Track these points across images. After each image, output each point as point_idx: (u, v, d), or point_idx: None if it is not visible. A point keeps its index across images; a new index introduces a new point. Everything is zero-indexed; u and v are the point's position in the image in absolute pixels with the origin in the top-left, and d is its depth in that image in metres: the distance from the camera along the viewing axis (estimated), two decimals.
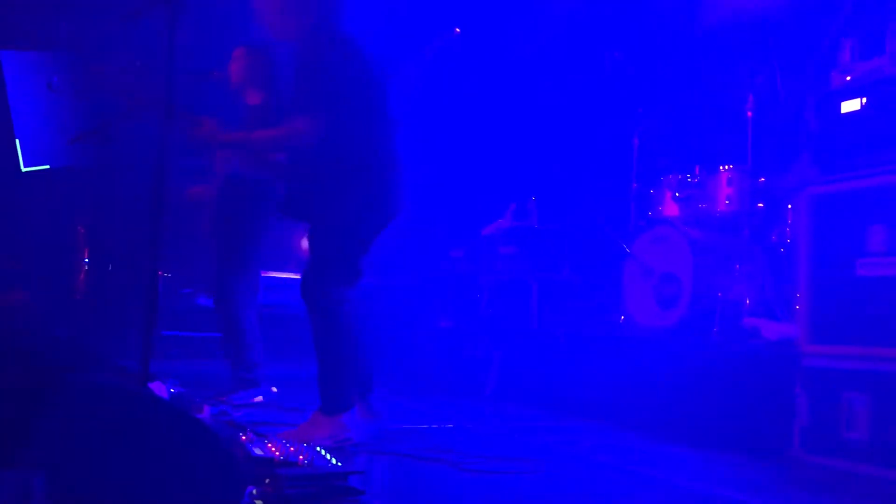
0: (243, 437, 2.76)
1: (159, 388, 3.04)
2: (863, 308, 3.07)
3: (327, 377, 3.32)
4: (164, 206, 3.01)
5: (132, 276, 5.96)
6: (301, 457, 2.52)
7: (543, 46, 6.53)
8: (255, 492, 2.23)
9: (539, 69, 6.60)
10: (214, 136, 3.29)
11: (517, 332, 5.59)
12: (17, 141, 6.31)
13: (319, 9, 3.36)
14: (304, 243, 7.38)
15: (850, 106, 3.67)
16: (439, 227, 6.80)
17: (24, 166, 6.36)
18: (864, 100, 3.77)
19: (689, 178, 5.24)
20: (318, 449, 2.71)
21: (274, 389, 4.45)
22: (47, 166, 6.40)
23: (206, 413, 3.29)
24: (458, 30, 6.89)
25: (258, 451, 2.55)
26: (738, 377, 3.82)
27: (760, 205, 4.93)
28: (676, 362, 4.19)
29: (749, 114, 5.01)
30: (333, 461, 2.55)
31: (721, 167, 5.03)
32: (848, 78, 3.81)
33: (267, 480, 2.29)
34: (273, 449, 2.60)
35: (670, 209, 5.33)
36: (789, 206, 4.64)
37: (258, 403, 4.33)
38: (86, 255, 6.50)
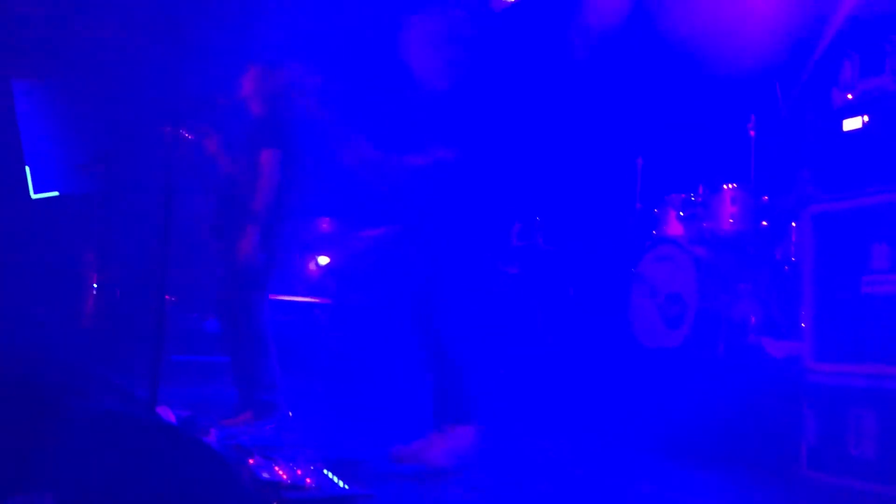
0: (251, 461, 2.77)
1: (167, 413, 3.06)
2: (868, 325, 3.07)
3: (451, 392, 3.34)
4: (172, 231, 3.04)
5: (140, 300, 5.99)
6: (308, 480, 2.53)
7: (548, 67, 6.57)
8: None
9: (542, 89, 6.63)
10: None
11: (523, 352, 5.59)
12: (27, 168, 6.38)
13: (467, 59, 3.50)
14: (313, 266, 7.37)
15: (852, 124, 3.70)
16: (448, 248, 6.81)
17: (34, 193, 6.42)
18: (866, 118, 3.80)
19: (692, 197, 5.26)
20: (325, 472, 2.72)
21: (290, 413, 4.44)
22: (56, 193, 6.47)
23: (213, 437, 3.30)
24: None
25: (265, 475, 2.55)
26: (744, 396, 3.82)
27: (764, 223, 4.94)
28: (682, 382, 4.19)
29: (752, 132, 5.04)
30: (341, 484, 2.56)
31: (724, 186, 5.05)
32: (849, 96, 3.84)
33: None
34: (280, 472, 2.61)
35: (674, 228, 5.34)
36: (793, 225, 4.65)
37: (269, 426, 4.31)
38: (94, 280, 6.54)
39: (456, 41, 3.47)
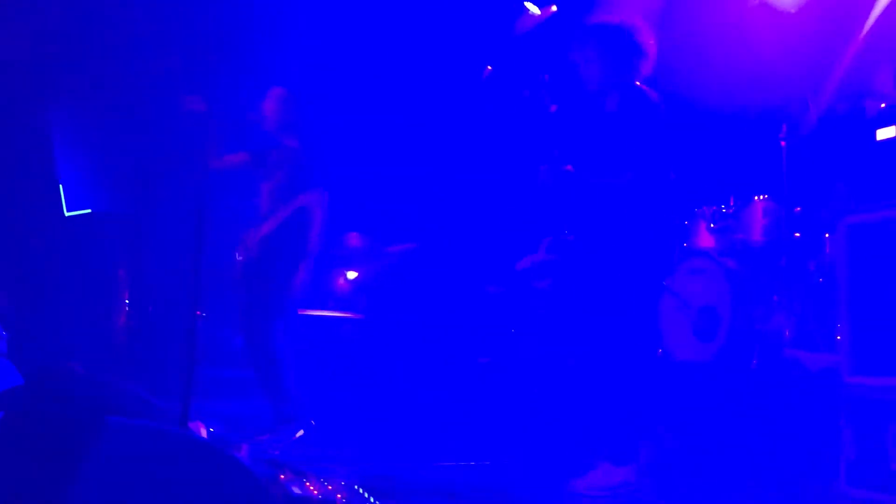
0: (282, 477, 2.76)
1: (199, 429, 3.07)
2: None
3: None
4: (204, 248, 3.06)
5: (172, 316, 6.04)
6: (339, 496, 2.53)
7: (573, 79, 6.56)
8: None
9: (568, 100, 6.63)
10: None
11: (553, 365, 5.54)
12: (60, 186, 6.49)
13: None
14: (342, 281, 7.39)
15: (886, 133, 3.64)
16: (476, 263, 6.81)
17: (67, 211, 6.52)
18: None
19: (723, 208, 5.20)
20: (356, 488, 2.71)
21: (313, 422, 4.46)
22: (89, 210, 6.56)
23: (244, 452, 3.31)
24: (489, 67, 6.97)
25: (297, 491, 2.55)
26: (778, 410, 3.76)
27: (797, 234, 4.87)
28: (716, 395, 4.13)
29: (783, 143, 4.98)
30: (372, 500, 2.55)
31: (756, 197, 4.99)
32: (883, 105, 3.79)
33: None
34: (311, 488, 2.61)
35: (706, 240, 5.28)
36: (826, 236, 4.58)
37: (299, 439, 4.32)
38: (126, 296, 6.61)
39: (627, 62, 3.47)
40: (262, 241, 4.36)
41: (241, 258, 4.40)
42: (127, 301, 6.60)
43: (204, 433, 3.16)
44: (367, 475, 3.35)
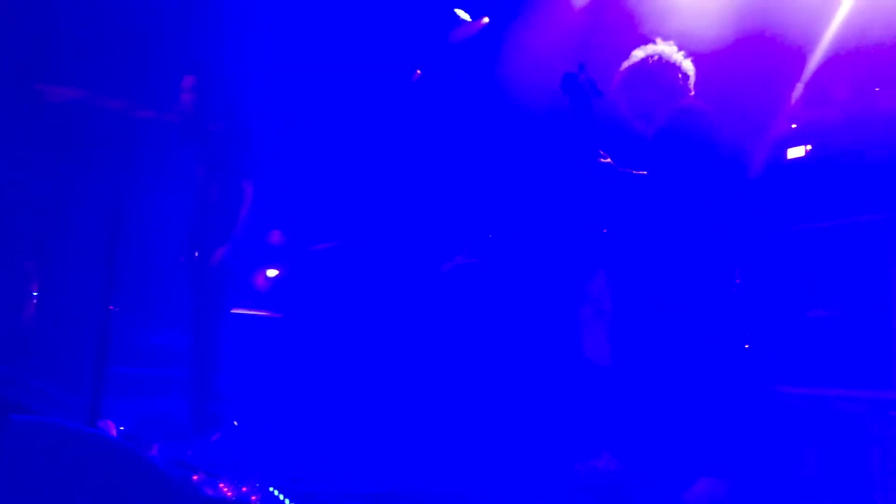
0: (195, 477, 2.71)
1: (109, 427, 2.98)
2: (811, 347, 3.13)
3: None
4: (119, 240, 2.98)
5: (84, 310, 5.85)
6: (254, 497, 2.49)
7: (504, 85, 6.64)
8: None
9: (489, 111, 6.70)
10: None
11: (476, 369, 5.59)
12: None
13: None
14: (261, 279, 7.29)
15: (795, 153, 3.80)
16: (399, 264, 6.80)
17: None
18: (809, 147, 3.91)
19: None
20: (272, 490, 2.68)
21: (235, 423, 4.39)
22: None
23: (156, 452, 3.23)
24: (419, 71, 6.99)
25: (209, 492, 2.50)
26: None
27: None
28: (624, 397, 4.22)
29: None
30: (287, 502, 2.52)
31: None
32: (794, 126, 3.94)
33: None
34: (225, 489, 2.56)
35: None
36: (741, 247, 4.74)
37: (217, 441, 4.25)
38: (35, 288, 6.36)
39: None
40: (206, 239, 4.29)
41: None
42: (35, 294, 6.36)
43: (114, 432, 3.07)
44: (283, 478, 3.31)
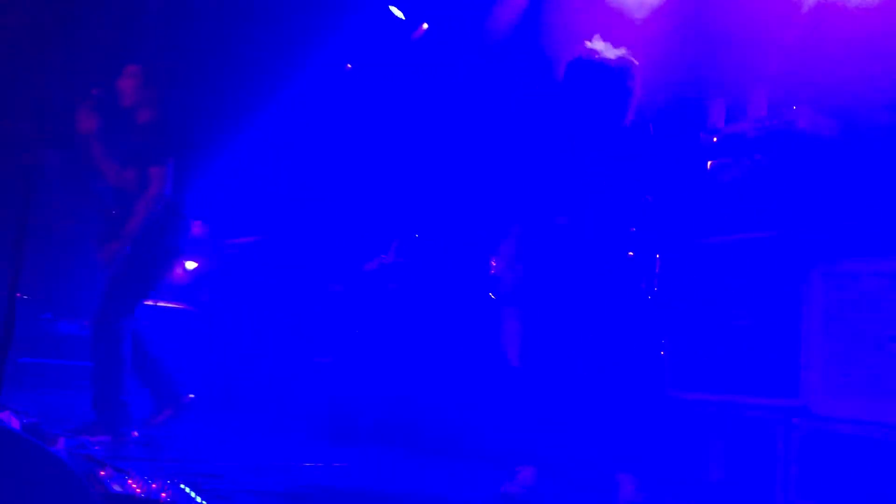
0: (102, 473, 2.62)
1: (9, 418, 2.85)
2: (724, 355, 3.22)
3: None
4: (27, 226, 2.86)
5: None
6: (164, 494, 2.42)
7: (428, 84, 6.65)
8: None
9: (414, 118, 6.71)
10: None
11: (399, 369, 5.58)
12: None
13: None
14: (180, 270, 7.11)
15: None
16: (321, 262, 6.74)
17: None
18: (729, 160, 4.03)
19: None
20: (182, 486, 2.61)
21: (135, 434, 4.27)
22: None
23: (61, 446, 3.10)
24: (349, 65, 6.95)
25: (117, 488, 2.42)
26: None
27: (630, 253, 5.13)
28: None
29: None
30: (198, 499, 2.46)
31: None
32: (715, 139, 4.07)
33: None
34: (134, 486, 2.48)
35: None
36: (657, 256, 4.86)
37: (124, 436, 4.12)
38: None
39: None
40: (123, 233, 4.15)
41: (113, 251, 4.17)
42: None
43: (15, 423, 2.94)
44: (194, 473, 3.23)
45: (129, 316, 4.19)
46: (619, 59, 3.46)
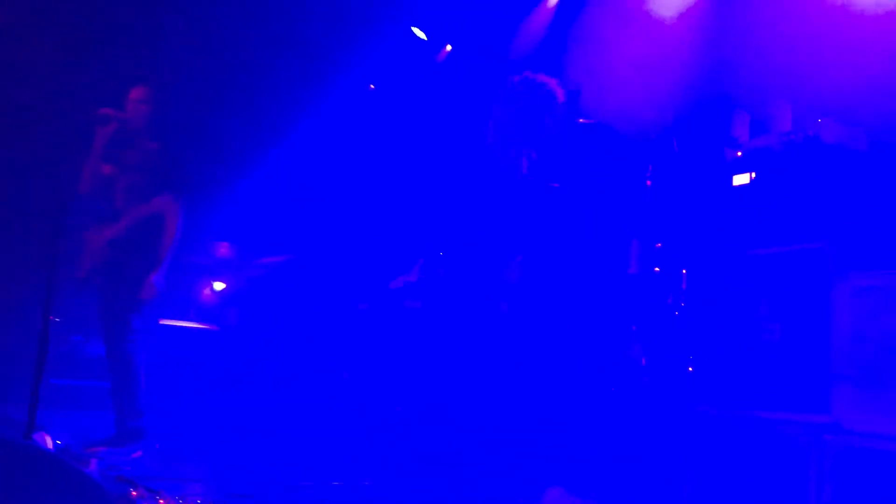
0: (134, 494, 2.65)
1: (45, 440, 2.90)
2: (749, 371, 3.19)
3: None
4: (60, 250, 2.91)
5: (20, 319, 5.69)
6: None
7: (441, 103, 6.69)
8: None
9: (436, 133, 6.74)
10: None
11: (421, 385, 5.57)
12: None
13: None
14: (208, 291, 7.18)
15: (740, 180, 3.90)
16: (348, 280, 6.77)
17: None
18: (753, 174, 4.01)
19: None
20: None
21: (157, 446, 4.31)
22: None
23: (94, 467, 3.14)
24: (372, 86, 7.00)
25: None
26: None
27: (657, 269, 5.11)
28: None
29: (648, 182, 5.21)
30: None
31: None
32: (739, 153, 4.05)
33: None
34: None
35: None
36: (684, 272, 4.83)
37: (139, 457, 4.16)
38: None
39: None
40: (112, 244, 4.21)
41: (93, 261, 4.23)
42: None
43: (50, 445, 2.99)
44: (224, 493, 3.25)
45: (130, 324, 4.23)
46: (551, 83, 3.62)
